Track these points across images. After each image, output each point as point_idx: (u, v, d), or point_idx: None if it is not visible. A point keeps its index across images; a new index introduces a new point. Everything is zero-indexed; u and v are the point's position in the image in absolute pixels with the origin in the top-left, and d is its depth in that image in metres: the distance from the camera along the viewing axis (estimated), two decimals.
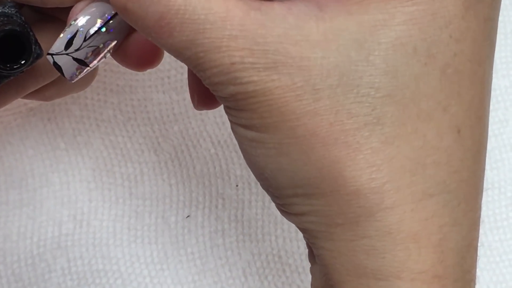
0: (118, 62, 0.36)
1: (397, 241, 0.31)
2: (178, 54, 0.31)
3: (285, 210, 0.33)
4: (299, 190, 0.32)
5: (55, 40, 0.37)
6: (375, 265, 0.31)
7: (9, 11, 0.36)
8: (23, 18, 0.36)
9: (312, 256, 0.34)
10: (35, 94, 0.41)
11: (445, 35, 0.31)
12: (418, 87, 0.31)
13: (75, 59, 0.35)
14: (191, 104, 0.49)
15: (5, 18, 0.35)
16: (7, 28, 0.35)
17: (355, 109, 0.31)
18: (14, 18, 0.36)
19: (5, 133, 0.49)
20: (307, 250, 0.35)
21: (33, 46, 0.36)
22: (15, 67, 0.35)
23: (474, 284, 0.34)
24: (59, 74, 0.35)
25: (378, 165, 0.31)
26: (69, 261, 0.48)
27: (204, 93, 0.36)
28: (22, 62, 0.36)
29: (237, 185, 0.49)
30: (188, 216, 0.49)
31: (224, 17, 0.30)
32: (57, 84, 0.41)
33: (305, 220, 0.32)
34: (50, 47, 0.37)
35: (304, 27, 0.31)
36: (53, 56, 0.35)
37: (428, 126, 0.31)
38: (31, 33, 0.36)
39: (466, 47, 0.31)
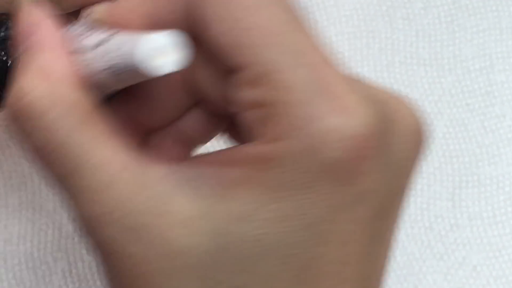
0: None
1: None
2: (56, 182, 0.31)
3: None
4: None
5: None
6: None
7: (13, 33, 0.36)
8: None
9: None
10: None
11: (309, 235, 0.29)
12: (273, 286, 0.29)
13: None
14: None
15: (11, 42, 0.35)
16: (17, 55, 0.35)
17: None
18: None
19: (4, 136, 0.49)
20: None
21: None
22: None
23: None
24: None
25: None
26: (69, 263, 0.48)
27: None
28: None
29: None
30: None
31: (98, 167, 0.30)
32: None
33: None
34: None
35: (170, 203, 0.30)
36: None
37: None
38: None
39: (328, 250, 0.30)
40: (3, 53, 0.35)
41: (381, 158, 0.29)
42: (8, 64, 0.35)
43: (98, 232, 0.30)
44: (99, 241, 0.30)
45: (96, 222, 0.30)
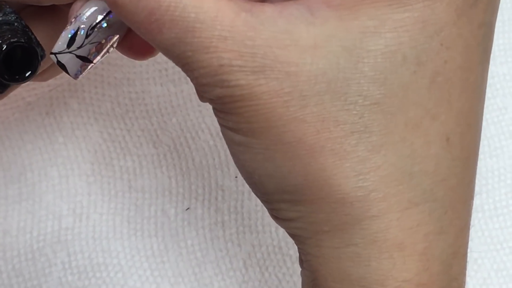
0: (122, 53, 0.36)
1: (382, 249, 0.31)
2: (167, 51, 0.31)
3: (275, 214, 0.33)
4: (287, 196, 0.32)
5: (52, 33, 0.37)
6: (360, 273, 0.31)
7: (10, 18, 0.35)
8: (23, 22, 0.35)
9: (301, 261, 0.34)
10: (35, 77, 0.41)
11: (435, 42, 0.31)
12: (407, 95, 0.31)
13: (78, 56, 0.34)
14: (190, 96, 0.49)
15: (7, 27, 0.35)
16: (13, 40, 0.35)
17: (342, 117, 0.30)
18: (16, 25, 0.35)
19: (3, 127, 0.49)
20: None
21: (37, 49, 0.36)
22: (21, 78, 0.36)
23: None
24: None
25: (364, 173, 0.31)
26: (69, 255, 0.48)
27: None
28: (28, 74, 0.36)
29: (236, 177, 0.49)
30: (188, 208, 0.49)
31: (215, 17, 0.30)
32: (55, 65, 0.41)
33: (293, 226, 0.33)
34: (48, 40, 0.37)
35: (294, 31, 0.30)
36: (56, 55, 0.34)
37: (416, 135, 0.31)
38: (33, 38, 0.35)
39: (457, 54, 0.31)
40: (19, 21, 0.35)
41: None
42: (3, 49, 0.35)
43: (224, 82, 0.30)
44: (223, 93, 0.31)
45: (225, 69, 0.30)
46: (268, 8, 0.31)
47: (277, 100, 0.30)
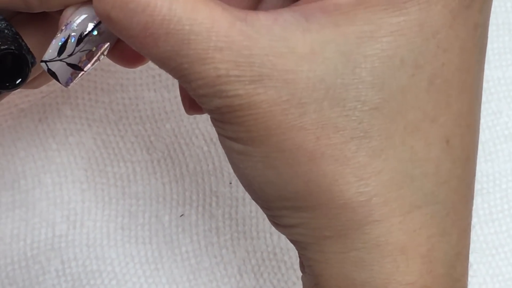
0: (113, 61, 0.36)
1: (385, 253, 0.31)
2: (163, 64, 0.31)
3: (275, 221, 0.33)
4: (288, 203, 0.32)
5: (43, 40, 0.37)
6: (363, 277, 0.31)
7: (0, 25, 0.35)
8: (14, 29, 0.35)
9: (303, 266, 0.34)
10: (26, 85, 0.41)
11: (432, 45, 0.31)
12: (405, 99, 0.31)
13: (69, 64, 0.34)
14: None
15: None
16: (3, 48, 0.35)
17: (341, 123, 0.30)
18: (6, 32, 0.35)
19: None
20: None
21: (27, 56, 0.36)
22: (12, 85, 0.35)
23: None
24: None
25: (365, 178, 0.31)
26: (63, 262, 0.48)
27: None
28: (19, 81, 0.36)
29: (230, 183, 0.49)
30: (182, 215, 0.49)
31: (210, 28, 0.30)
32: (46, 72, 0.41)
33: (294, 232, 0.32)
34: (38, 47, 0.37)
35: (290, 38, 0.30)
36: (47, 63, 0.34)
37: (416, 138, 0.31)
38: (23, 45, 0.35)
39: (454, 56, 0.31)
40: (9, 29, 0.35)
41: None
42: None
43: (223, 92, 0.30)
44: (222, 103, 0.31)
45: (222, 79, 0.30)
46: (263, 16, 0.31)
47: (276, 109, 0.30)
